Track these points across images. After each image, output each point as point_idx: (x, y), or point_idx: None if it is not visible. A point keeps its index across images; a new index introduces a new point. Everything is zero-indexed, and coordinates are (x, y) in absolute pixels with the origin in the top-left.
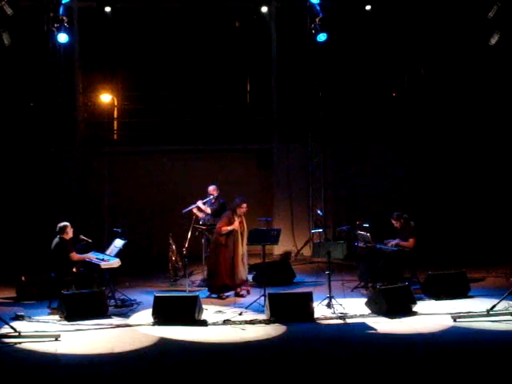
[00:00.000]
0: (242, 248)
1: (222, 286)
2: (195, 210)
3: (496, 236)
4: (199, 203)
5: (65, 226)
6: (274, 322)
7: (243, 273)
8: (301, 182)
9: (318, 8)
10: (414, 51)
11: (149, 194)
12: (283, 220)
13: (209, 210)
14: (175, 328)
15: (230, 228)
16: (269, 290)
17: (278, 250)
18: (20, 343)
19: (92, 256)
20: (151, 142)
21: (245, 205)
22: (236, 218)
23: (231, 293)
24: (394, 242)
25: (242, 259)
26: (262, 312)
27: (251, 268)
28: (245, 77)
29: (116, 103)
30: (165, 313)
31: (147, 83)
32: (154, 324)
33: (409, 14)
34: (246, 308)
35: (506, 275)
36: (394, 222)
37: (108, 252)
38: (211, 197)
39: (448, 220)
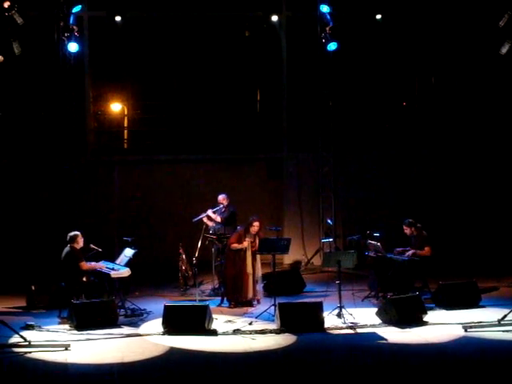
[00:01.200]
0: (255, 267)
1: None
2: (205, 219)
3: (507, 245)
4: (209, 212)
5: (75, 236)
6: (284, 332)
7: (250, 292)
8: (311, 191)
9: (328, 17)
10: (424, 60)
11: (159, 203)
12: (293, 229)
13: (219, 219)
14: (185, 337)
15: (239, 247)
16: (279, 300)
17: (288, 259)
18: (30, 353)
19: (102, 265)
20: (161, 151)
21: (256, 223)
22: (247, 237)
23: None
24: (410, 253)
25: (254, 278)
26: (272, 321)
27: (261, 277)
28: (255, 86)
29: (126, 112)
30: (175, 322)
31: (157, 92)
32: (164, 333)
33: (419, 22)
34: (256, 318)
35: None
36: (405, 228)
37: (118, 261)
38: (221, 206)
39: (459, 229)
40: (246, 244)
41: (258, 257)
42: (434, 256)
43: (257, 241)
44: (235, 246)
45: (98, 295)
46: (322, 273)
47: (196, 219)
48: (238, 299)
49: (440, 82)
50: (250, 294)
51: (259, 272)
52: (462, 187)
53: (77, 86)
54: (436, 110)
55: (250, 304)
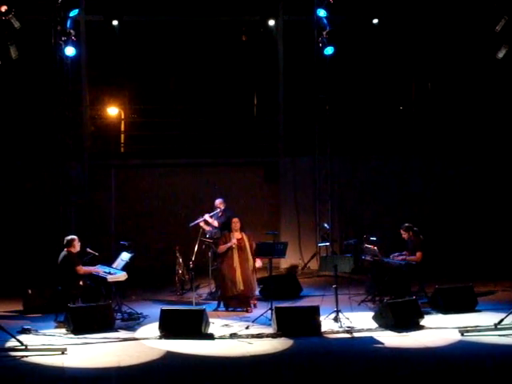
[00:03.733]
0: (248, 263)
1: (225, 297)
2: (202, 224)
3: (503, 249)
4: (206, 216)
5: (72, 240)
6: (280, 336)
7: (241, 284)
8: (307, 196)
9: (325, 21)
10: (421, 64)
11: (155, 207)
12: (290, 233)
13: (216, 224)
14: (182, 341)
15: (226, 247)
16: (275, 304)
17: (284, 263)
18: (26, 356)
19: (99, 269)
20: (158, 155)
21: (235, 219)
22: (233, 236)
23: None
24: (400, 258)
25: (245, 272)
26: (268, 326)
27: (258, 281)
28: (252, 90)
29: (123, 116)
30: (171, 326)
31: (154, 96)
32: (161, 337)
33: (416, 27)
34: (253, 322)
35: None
36: (402, 232)
37: (115, 265)
38: (218, 210)
39: (456, 234)
40: (234, 241)
41: (249, 253)
42: (430, 260)
43: (245, 238)
44: (222, 247)
45: (94, 299)
46: (318, 277)
47: (193, 224)
48: (230, 293)
49: (436, 86)
50: (241, 286)
51: (249, 267)
52: (460, 191)
53: (74, 90)
54: (433, 114)
55: (247, 303)
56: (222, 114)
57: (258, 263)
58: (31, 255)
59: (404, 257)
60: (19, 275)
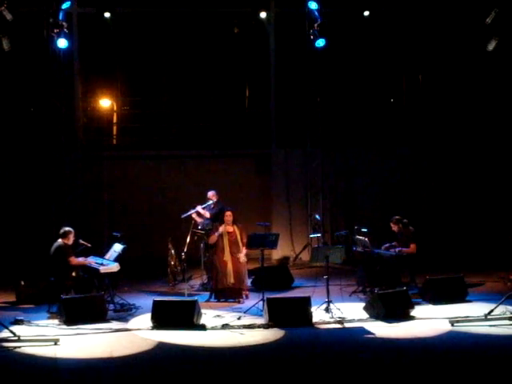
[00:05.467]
0: (239, 254)
1: (216, 289)
2: (194, 215)
3: (494, 240)
4: (199, 208)
5: (69, 231)
6: (272, 327)
7: (231, 277)
8: (299, 187)
9: (316, 14)
10: (412, 57)
11: (148, 199)
12: (282, 225)
13: (208, 215)
14: (174, 332)
15: (216, 236)
16: (267, 295)
17: (276, 254)
18: (19, 347)
19: (91, 260)
20: (150, 147)
21: (228, 213)
22: (223, 226)
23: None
24: (396, 250)
25: (236, 265)
26: (260, 316)
27: (250, 272)
28: (243, 82)
29: (115, 108)
30: (164, 317)
31: (146, 88)
32: (153, 328)
33: (407, 19)
34: (245, 312)
35: (504, 280)
36: (392, 225)
37: (107, 256)
38: (211, 202)
39: (446, 224)
40: (221, 229)
41: (241, 247)
42: (421, 251)
43: (236, 231)
44: (213, 237)
45: (87, 290)
46: (310, 268)
47: (185, 215)
48: (221, 285)
49: (427, 78)
50: (232, 279)
51: (239, 259)
52: (451, 183)
53: (66, 81)
54: (423, 106)
55: (239, 294)
56: (214, 105)
57: (242, 258)
58: (24, 246)
59: (400, 249)
60: (12, 266)
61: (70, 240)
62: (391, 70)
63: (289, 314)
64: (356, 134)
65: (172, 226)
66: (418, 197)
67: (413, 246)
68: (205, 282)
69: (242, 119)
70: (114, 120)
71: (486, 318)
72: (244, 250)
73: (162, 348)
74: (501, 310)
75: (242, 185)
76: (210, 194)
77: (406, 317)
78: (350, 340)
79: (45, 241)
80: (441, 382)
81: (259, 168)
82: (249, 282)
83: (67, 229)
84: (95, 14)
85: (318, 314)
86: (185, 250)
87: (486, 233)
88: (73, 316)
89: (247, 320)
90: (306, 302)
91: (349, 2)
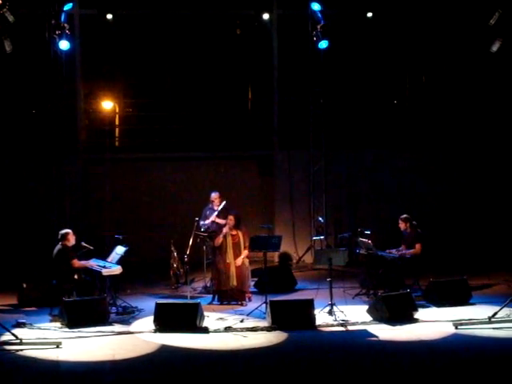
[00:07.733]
0: (241, 258)
1: (218, 291)
2: (215, 219)
3: (498, 242)
4: (215, 217)
5: (66, 233)
6: (275, 330)
7: (234, 280)
8: (302, 189)
9: (319, 15)
10: (415, 58)
11: (150, 201)
12: (284, 227)
13: (222, 221)
14: (177, 335)
15: (220, 238)
16: (270, 297)
17: (279, 255)
18: (21, 350)
19: (93, 263)
20: (153, 149)
21: (230, 217)
22: (227, 227)
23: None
24: (400, 252)
25: (238, 268)
26: (263, 319)
27: (252, 275)
28: (246, 84)
29: (117, 110)
30: (166, 320)
31: (149, 90)
32: (156, 331)
33: (410, 21)
34: (248, 315)
35: (508, 282)
36: (400, 222)
37: (109, 259)
38: (221, 206)
39: (450, 227)
40: (225, 229)
41: (242, 249)
42: (426, 253)
43: (239, 234)
44: (218, 239)
45: (89, 293)
46: (313, 270)
47: (205, 225)
48: (224, 287)
49: (431, 79)
50: (235, 282)
51: (241, 262)
52: (454, 185)
53: (68, 83)
54: (427, 107)
55: (241, 297)
56: (216, 107)
57: (238, 262)
58: (26, 249)
59: (403, 251)
60: (14, 269)
61: (71, 241)
62: (394, 71)
63: (292, 316)
64: (359, 135)
65: (175, 228)
66: (422, 198)
67: (418, 246)
68: (207, 284)
69: (245, 121)
70: (116, 122)
71: (489, 320)
72: (243, 254)
73: (164, 351)
74: (505, 312)
75: (244, 186)
76: (214, 195)
77: (409, 319)
78: (354, 343)
79: (47, 243)
80: None
81: (262, 170)
82: (252, 284)
83: (64, 231)
84: (97, 16)
85: (322, 317)
86: (187, 252)
87: (489, 235)
88: (75, 319)
89: (250, 323)
90: (309, 305)
91: (352, 3)
